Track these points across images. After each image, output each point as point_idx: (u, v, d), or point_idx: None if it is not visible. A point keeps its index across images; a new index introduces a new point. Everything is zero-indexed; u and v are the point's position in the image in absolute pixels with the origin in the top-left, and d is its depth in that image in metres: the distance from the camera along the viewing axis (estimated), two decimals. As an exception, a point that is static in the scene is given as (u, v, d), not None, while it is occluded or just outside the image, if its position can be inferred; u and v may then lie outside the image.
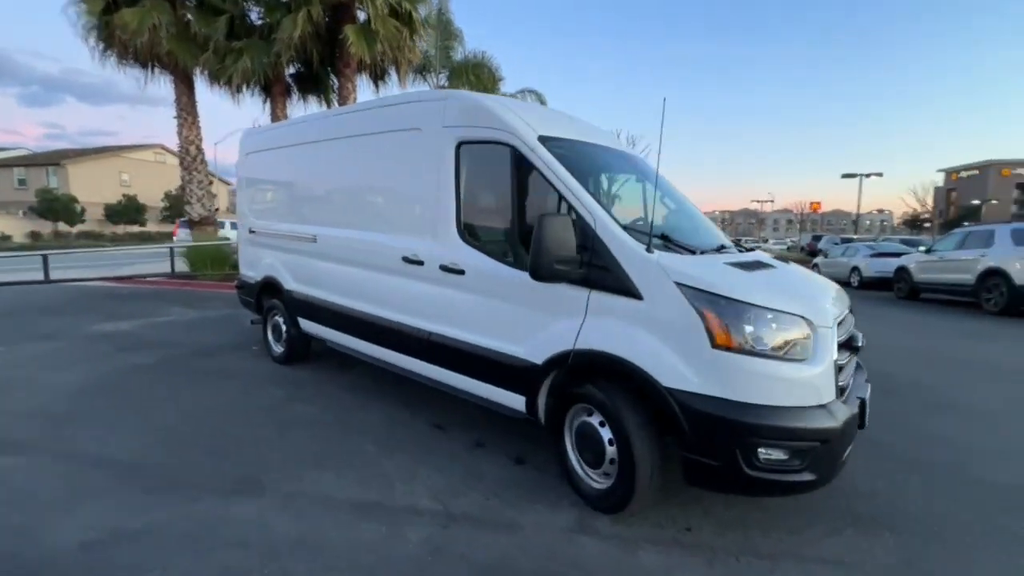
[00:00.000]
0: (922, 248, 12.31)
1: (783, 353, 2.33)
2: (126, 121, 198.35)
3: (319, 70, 11.56)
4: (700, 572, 2.31)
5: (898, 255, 13.04)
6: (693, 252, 2.85)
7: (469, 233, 3.31)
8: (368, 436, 3.63)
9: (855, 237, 27.45)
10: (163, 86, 15.24)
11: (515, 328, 3.03)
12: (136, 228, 39.31)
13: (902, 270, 12.07)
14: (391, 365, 4.00)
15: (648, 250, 2.55)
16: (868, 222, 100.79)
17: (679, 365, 2.39)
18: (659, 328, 2.46)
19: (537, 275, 2.66)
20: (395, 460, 3.29)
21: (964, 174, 59.93)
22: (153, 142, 47.28)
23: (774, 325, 2.34)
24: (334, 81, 12.33)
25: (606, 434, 2.67)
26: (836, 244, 22.37)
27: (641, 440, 2.51)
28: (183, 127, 12.09)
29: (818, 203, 50.64)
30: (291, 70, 12.04)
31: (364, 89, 17.78)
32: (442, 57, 16.50)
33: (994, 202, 51.25)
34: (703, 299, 2.37)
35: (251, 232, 5.57)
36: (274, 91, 11.62)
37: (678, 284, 2.43)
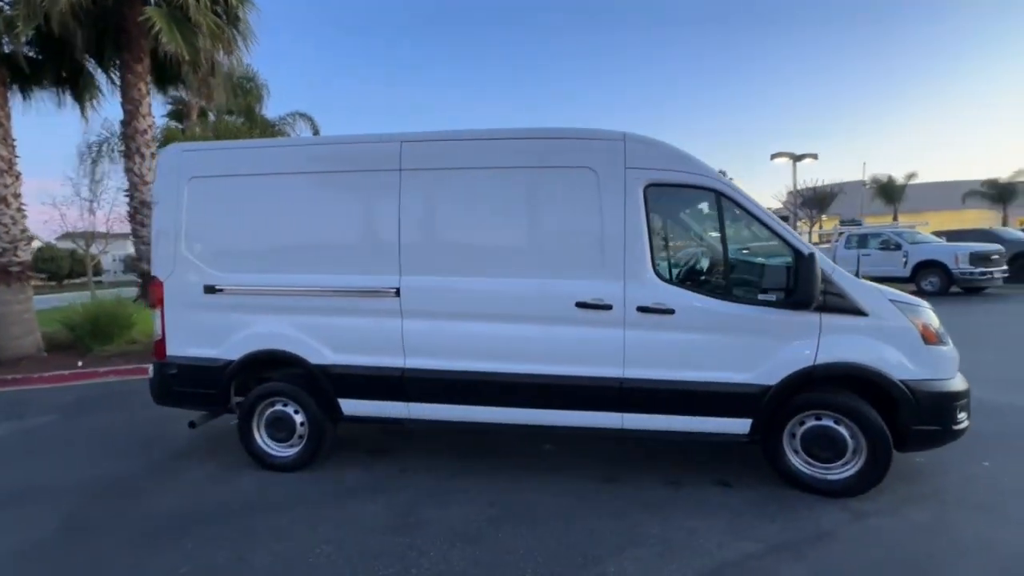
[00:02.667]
0: None
1: (946, 339, 3.37)
2: None
3: (80, 60, 8.03)
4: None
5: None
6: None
7: (667, 273, 3.37)
8: (607, 513, 3.17)
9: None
10: None
11: (738, 358, 3.29)
12: None
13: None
14: (534, 427, 3.56)
15: (858, 276, 3.28)
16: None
17: (904, 361, 3.17)
18: (884, 336, 3.20)
19: (808, 306, 3.07)
20: (673, 523, 3.05)
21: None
22: None
23: (937, 320, 3.37)
24: (102, 77, 8.80)
25: (844, 430, 3.22)
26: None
27: (881, 427, 3.16)
28: None
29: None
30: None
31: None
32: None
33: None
34: (909, 311, 3.24)
35: (211, 290, 3.83)
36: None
37: (892, 301, 3.23)
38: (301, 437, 3.83)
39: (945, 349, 3.28)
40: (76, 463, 4.22)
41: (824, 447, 3.27)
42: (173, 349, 3.92)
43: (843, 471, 3.27)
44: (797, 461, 3.34)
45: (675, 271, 3.51)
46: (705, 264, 3.59)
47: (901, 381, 3.14)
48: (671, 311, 3.31)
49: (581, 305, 3.38)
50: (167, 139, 11.48)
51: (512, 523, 3.08)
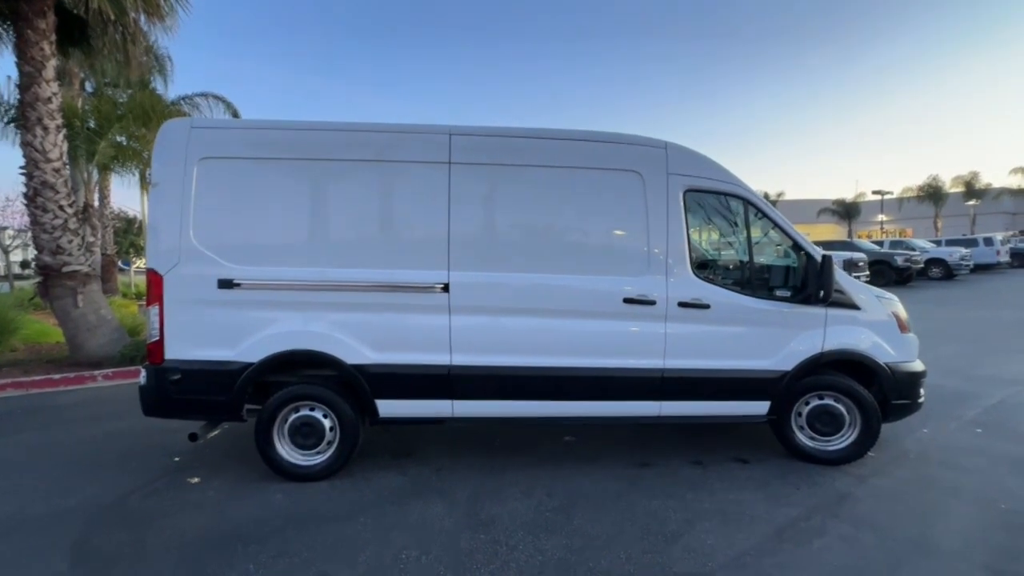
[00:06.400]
0: None
1: (911, 328, 4.07)
2: None
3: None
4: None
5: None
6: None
7: (702, 271, 3.70)
8: (660, 493, 3.39)
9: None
10: None
11: (761, 347, 3.71)
12: None
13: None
14: (578, 418, 3.72)
15: (851, 275, 3.86)
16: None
17: (886, 347, 3.80)
18: (873, 326, 3.80)
19: (825, 301, 3.56)
20: (719, 497, 3.34)
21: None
22: None
23: (905, 312, 4.07)
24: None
25: (842, 407, 3.77)
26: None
27: (873, 403, 3.75)
28: None
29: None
30: None
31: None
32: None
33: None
34: (889, 304, 3.89)
35: (227, 285, 3.43)
36: None
37: (878, 296, 3.85)
38: (330, 443, 3.58)
39: (912, 336, 3.97)
40: (49, 487, 3.55)
41: (826, 423, 3.80)
42: (175, 352, 3.45)
43: (841, 442, 3.81)
44: (803, 436, 3.84)
45: (709, 269, 3.86)
46: (734, 263, 3.99)
47: (885, 363, 3.75)
48: (707, 306, 3.64)
49: (628, 300, 3.58)
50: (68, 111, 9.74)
51: (579, 510, 3.18)
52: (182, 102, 17.13)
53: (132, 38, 7.89)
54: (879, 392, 3.77)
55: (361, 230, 3.59)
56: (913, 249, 20.59)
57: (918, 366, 3.92)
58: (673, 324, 3.63)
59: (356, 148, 3.57)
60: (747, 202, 3.77)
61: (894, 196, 39.52)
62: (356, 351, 3.51)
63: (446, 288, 3.51)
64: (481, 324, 3.56)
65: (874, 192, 37.07)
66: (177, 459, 3.99)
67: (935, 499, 3.32)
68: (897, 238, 27.83)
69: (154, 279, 3.44)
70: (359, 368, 3.50)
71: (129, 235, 27.59)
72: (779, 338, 3.72)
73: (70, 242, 7.22)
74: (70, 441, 4.50)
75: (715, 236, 4.14)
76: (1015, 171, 36.83)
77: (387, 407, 3.58)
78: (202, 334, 3.47)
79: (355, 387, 3.54)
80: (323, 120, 3.66)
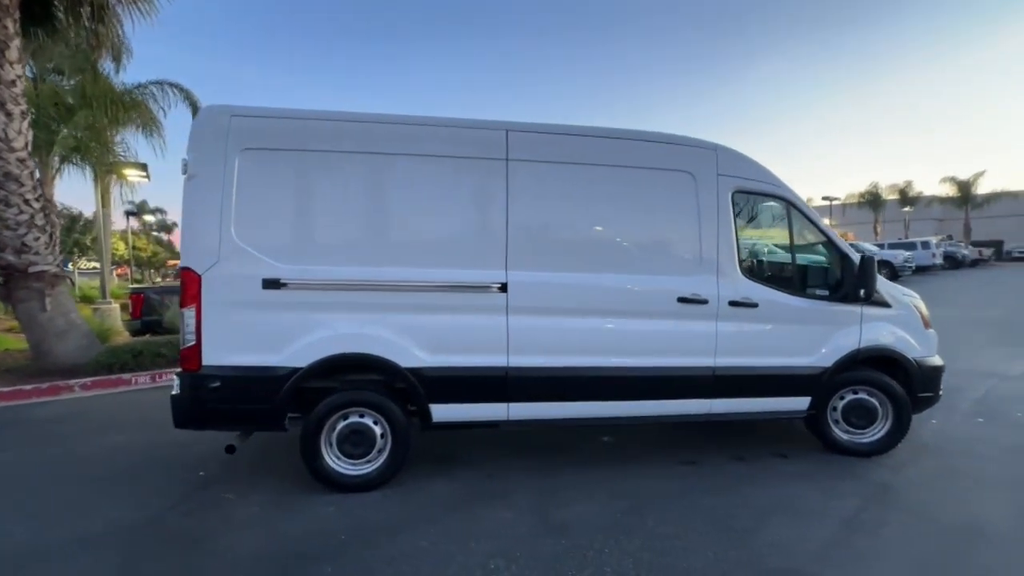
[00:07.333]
0: None
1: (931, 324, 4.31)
2: None
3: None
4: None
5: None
6: None
7: (750, 270, 3.78)
8: (719, 490, 3.43)
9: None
10: None
11: (804, 344, 3.83)
12: None
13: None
14: (632, 419, 3.71)
15: (882, 275, 4.05)
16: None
17: (913, 342, 4.00)
18: (902, 323, 4.00)
19: (868, 299, 3.71)
20: (775, 492, 3.41)
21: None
22: None
23: (927, 309, 4.30)
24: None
25: (875, 401, 3.94)
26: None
27: (904, 396, 3.93)
28: None
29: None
30: None
31: None
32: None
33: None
34: (914, 302, 4.10)
35: (273, 285, 3.20)
36: None
37: (904, 295, 4.06)
38: (380, 451, 3.42)
39: (933, 332, 4.21)
40: (64, 510, 3.20)
41: (860, 416, 3.96)
42: (213, 357, 3.20)
43: (873, 435, 3.98)
44: (838, 430, 3.99)
45: (755, 269, 3.94)
46: (778, 263, 4.09)
47: (913, 358, 3.96)
48: (755, 305, 3.72)
49: (682, 300, 3.61)
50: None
51: (650, 511, 3.17)
52: (135, 91, 16.03)
53: (102, 17, 7.30)
54: (906, 386, 3.97)
55: (415, 227, 3.45)
56: (863, 252, 21.98)
57: (939, 360, 4.15)
58: (724, 323, 3.68)
59: (411, 141, 3.43)
60: (789, 203, 3.89)
61: (840, 202, 42.11)
62: (410, 354, 3.36)
63: (504, 288, 3.43)
64: (539, 325, 3.49)
65: (824, 198, 39.34)
66: (202, 473, 3.70)
67: (968, 487, 3.51)
68: (848, 242, 29.56)
69: (190, 279, 3.17)
70: (414, 371, 3.36)
71: (73, 233, 25.56)
72: (820, 335, 3.85)
73: (36, 239, 6.60)
74: (68, 458, 4.09)
75: (759, 236, 4.24)
76: (944, 180, 40.00)
77: (441, 411, 3.45)
78: (244, 338, 3.23)
79: (409, 391, 3.39)
80: (374, 112, 3.48)
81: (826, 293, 3.92)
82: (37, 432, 4.80)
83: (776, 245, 4.36)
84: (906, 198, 41.72)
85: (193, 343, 3.18)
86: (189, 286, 3.17)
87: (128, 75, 14.90)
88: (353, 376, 3.47)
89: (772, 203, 3.93)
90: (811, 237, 4.02)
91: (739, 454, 4.05)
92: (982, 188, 39.39)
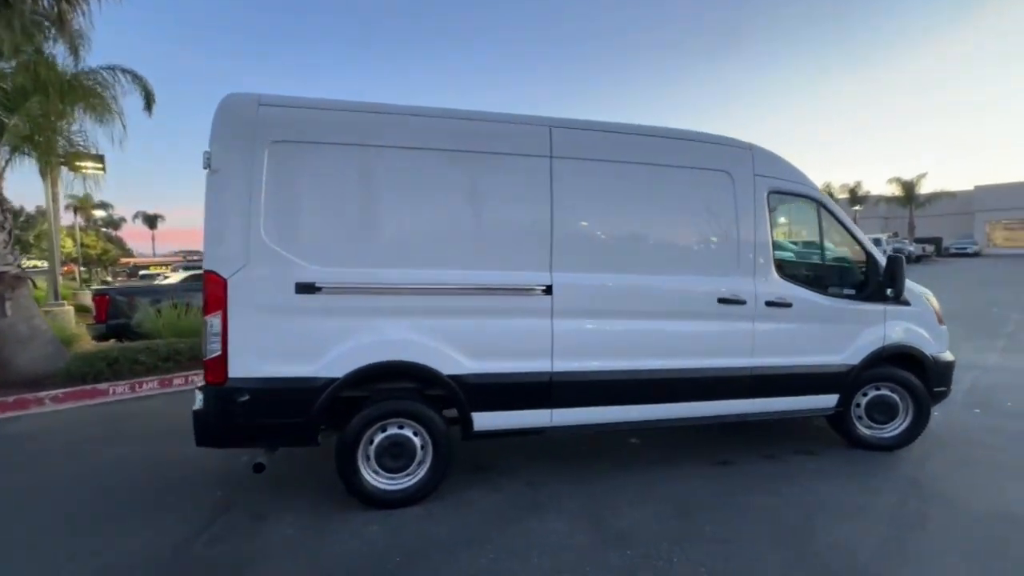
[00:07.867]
0: None
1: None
2: None
3: None
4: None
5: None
6: None
7: (783, 270, 3.80)
8: (763, 491, 3.42)
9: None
10: None
11: (833, 343, 3.90)
12: None
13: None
14: (672, 421, 3.68)
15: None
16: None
17: (930, 339, 4.14)
18: (920, 321, 4.12)
19: (897, 298, 3.79)
20: (813, 489, 3.44)
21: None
22: None
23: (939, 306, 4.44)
24: None
25: (897, 396, 4.05)
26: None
27: (924, 391, 4.05)
28: None
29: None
30: None
31: None
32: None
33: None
34: (928, 298, 4.23)
35: (307, 289, 2.96)
36: None
37: (922, 295, 4.18)
38: (420, 464, 3.24)
39: (945, 328, 4.37)
40: (71, 541, 2.85)
41: (882, 412, 4.07)
42: (241, 368, 2.94)
43: (895, 429, 4.10)
44: (861, 426, 4.09)
45: (791, 269, 3.96)
46: (809, 263, 4.13)
47: (930, 354, 4.09)
48: (789, 304, 3.75)
49: (722, 300, 3.59)
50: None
51: (701, 515, 3.13)
52: (84, 76, 14.86)
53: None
54: (923, 381, 4.10)
55: (457, 228, 3.27)
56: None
57: (951, 356, 4.31)
58: (760, 323, 3.69)
59: (455, 137, 3.25)
60: (820, 204, 3.94)
61: (797, 201, 43.90)
62: (452, 360, 3.20)
63: (548, 290, 3.31)
64: (583, 328, 3.40)
65: (779, 197, 40.88)
66: (219, 493, 3.41)
67: (989, 475, 3.66)
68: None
69: (214, 283, 2.90)
70: (456, 379, 3.20)
71: (14, 230, 23.55)
72: (849, 334, 3.92)
73: (-5, 239, 5.99)
74: (58, 482, 3.70)
75: (790, 236, 4.28)
76: (891, 181, 42.35)
77: (483, 420, 3.30)
78: (275, 347, 2.98)
79: (450, 399, 3.23)
80: (410, 105, 3.28)
81: (853, 292, 3.99)
82: (9, 452, 4.34)
83: (791, 242, 4.44)
84: (855, 197, 43.93)
85: (218, 353, 2.91)
86: (213, 291, 2.90)
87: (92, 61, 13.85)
88: (384, 385, 3.27)
89: (802, 203, 3.97)
90: (839, 238, 4.09)
91: (768, 452, 4.08)
92: (924, 188, 41.90)
